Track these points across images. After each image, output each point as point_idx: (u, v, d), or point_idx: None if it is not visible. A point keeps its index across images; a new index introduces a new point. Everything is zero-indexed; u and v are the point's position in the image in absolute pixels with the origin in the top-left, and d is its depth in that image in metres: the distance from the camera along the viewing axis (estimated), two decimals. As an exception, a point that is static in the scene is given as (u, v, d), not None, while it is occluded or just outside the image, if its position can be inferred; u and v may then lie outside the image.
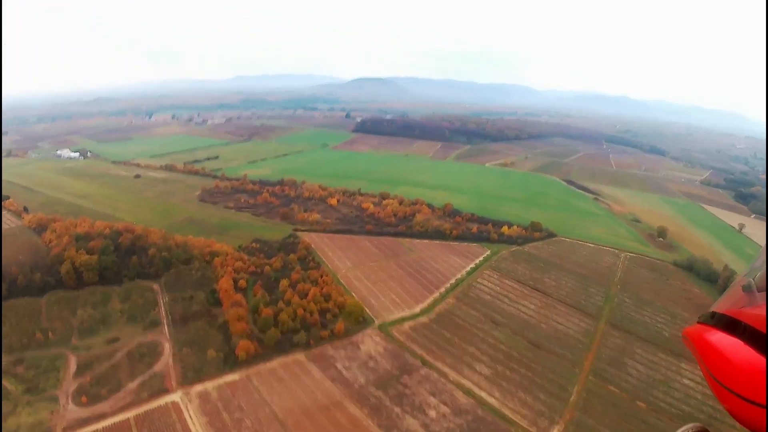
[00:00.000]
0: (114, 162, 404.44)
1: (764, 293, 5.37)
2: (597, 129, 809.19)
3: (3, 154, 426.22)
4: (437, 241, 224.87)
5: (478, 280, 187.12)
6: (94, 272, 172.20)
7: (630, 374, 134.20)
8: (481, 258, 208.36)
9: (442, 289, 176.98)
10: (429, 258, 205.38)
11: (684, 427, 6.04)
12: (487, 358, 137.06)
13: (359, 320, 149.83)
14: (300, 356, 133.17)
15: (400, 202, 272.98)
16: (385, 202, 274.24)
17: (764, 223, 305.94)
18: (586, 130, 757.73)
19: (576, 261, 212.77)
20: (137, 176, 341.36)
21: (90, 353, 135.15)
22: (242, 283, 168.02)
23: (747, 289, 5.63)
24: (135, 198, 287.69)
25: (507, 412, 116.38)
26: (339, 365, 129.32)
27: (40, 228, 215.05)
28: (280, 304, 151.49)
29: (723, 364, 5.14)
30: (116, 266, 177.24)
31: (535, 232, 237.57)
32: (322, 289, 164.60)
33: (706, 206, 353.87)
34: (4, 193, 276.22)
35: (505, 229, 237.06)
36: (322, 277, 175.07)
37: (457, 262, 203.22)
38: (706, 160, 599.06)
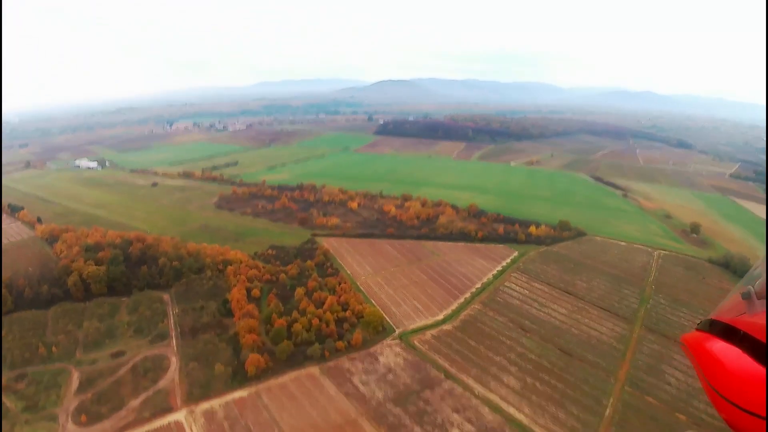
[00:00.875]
0: (132, 171, 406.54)
1: (764, 301, 5.37)
2: (622, 125, 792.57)
3: (22, 165, 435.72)
4: (462, 243, 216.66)
5: (506, 283, 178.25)
6: (102, 283, 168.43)
7: (668, 383, 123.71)
8: (508, 260, 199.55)
9: (468, 294, 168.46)
10: (453, 261, 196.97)
11: None
12: (516, 369, 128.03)
13: (378, 330, 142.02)
14: (314, 370, 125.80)
15: (423, 204, 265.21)
16: (407, 204, 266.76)
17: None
18: (611, 126, 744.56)
19: (608, 261, 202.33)
20: (154, 184, 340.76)
21: (94, 368, 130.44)
22: (256, 292, 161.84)
23: (746, 296, 5.59)
24: (151, 206, 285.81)
25: (537, 430, 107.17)
26: (355, 379, 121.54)
27: (52, 239, 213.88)
28: (295, 314, 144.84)
29: (721, 373, 5.15)
30: (125, 277, 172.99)
31: (564, 232, 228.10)
32: (339, 297, 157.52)
33: (737, 200, 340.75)
34: (19, 203, 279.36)
35: (532, 229, 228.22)
36: (340, 284, 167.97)
37: (483, 264, 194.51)
38: (733, 153, 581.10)
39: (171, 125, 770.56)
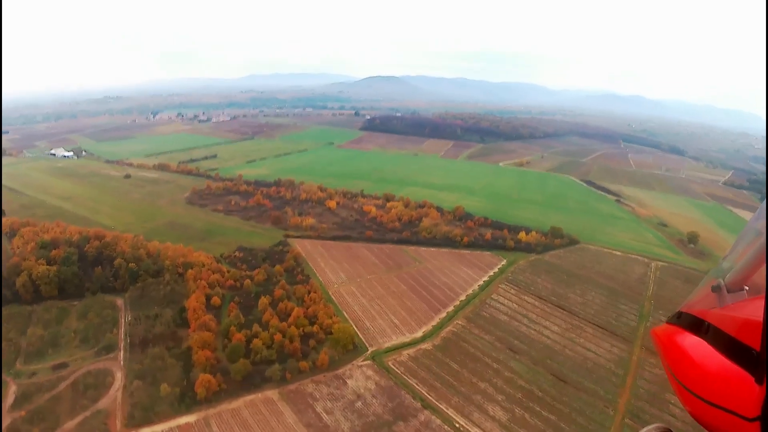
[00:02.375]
0: (107, 161, 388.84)
1: (734, 294, 5.41)
2: (612, 128, 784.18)
3: None
4: (446, 250, 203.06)
5: (493, 296, 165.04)
6: (51, 285, 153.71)
7: (673, 415, 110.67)
8: (495, 269, 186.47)
9: (450, 308, 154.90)
10: (436, 269, 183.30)
11: (647, 428, 5.88)
12: (503, 398, 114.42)
13: (349, 348, 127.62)
14: (272, 394, 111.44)
15: (406, 205, 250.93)
16: (389, 204, 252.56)
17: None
18: (602, 129, 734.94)
19: (603, 272, 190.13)
20: (127, 176, 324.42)
21: (32, 381, 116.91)
22: (216, 300, 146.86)
23: (716, 289, 5.60)
24: (120, 199, 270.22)
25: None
26: (318, 407, 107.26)
27: (12, 233, 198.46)
28: (255, 328, 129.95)
29: (686, 365, 5.22)
30: (77, 278, 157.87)
31: (555, 239, 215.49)
32: (308, 308, 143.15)
33: (733, 209, 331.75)
34: None
35: (522, 235, 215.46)
36: (309, 293, 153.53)
37: (469, 274, 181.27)
38: (725, 160, 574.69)
39: (155, 115, 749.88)
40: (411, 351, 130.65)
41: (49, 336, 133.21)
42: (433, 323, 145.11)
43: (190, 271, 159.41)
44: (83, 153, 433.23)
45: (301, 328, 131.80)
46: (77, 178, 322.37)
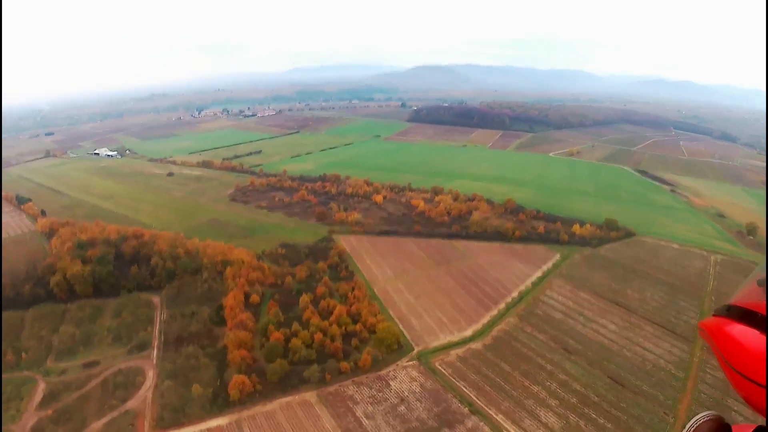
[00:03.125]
0: (150, 160, 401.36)
1: None
2: (662, 115, 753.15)
3: (42, 154, 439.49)
4: (497, 244, 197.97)
5: (547, 292, 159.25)
6: (86, 284, 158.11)
7: (736, 421, 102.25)
8: (549, 264, 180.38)
9: (502, 305, 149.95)
10: (487, 264, 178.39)
11: (699, 416, 6.31)
12: (557, 402, 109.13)
13: (393, 348, 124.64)
14: (310, 396, 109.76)
15: (455, 198, 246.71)
16: (437, 198, 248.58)
17: None
18: (652, 116, 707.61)
19: (661, 266, 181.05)
20: (170, 174, 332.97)
21: (62, 379, 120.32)
22: (255, 298, 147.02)
23: (762, 283, 5.92)
24: (161, 198, 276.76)
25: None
26: (359, 411, 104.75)
27: (51, 233, 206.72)
28: (295, 326, 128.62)
29: (740, 353, 5.61)
30: (113, 277, 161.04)
31: (611, 232, 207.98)
32: (351, 306, 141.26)
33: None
34: (29, 195, 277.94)
35: (576, 227, 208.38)
36: (353, 290, 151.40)
37: (521, 269, 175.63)
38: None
39: (200, 112, 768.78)
40: (459, 351, 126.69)
41: (82, 334, 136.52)
42: (484, 321, 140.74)
43: (229, 268, 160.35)
44: (127, 152, 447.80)
45: (344, 327, 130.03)
46: (120, 177, 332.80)
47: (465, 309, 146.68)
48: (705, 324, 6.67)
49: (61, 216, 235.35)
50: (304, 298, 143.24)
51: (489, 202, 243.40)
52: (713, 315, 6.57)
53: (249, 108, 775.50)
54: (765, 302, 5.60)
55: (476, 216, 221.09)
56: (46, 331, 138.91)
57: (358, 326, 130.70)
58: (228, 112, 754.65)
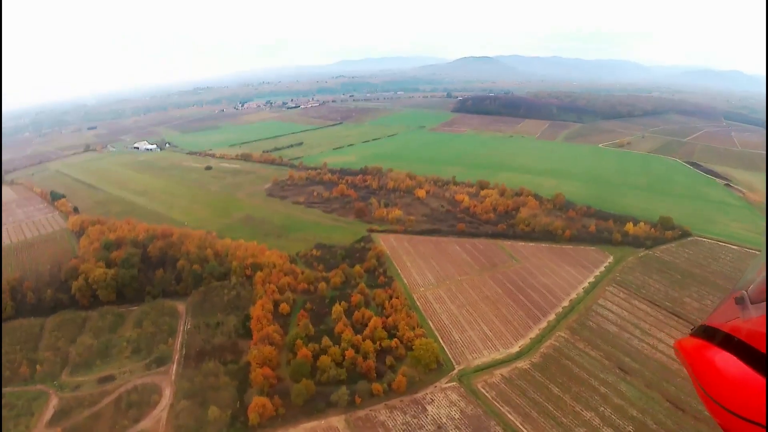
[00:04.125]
0: (189, 153, 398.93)
1: (758, 306, 5.60)
2: (712, 105, 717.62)
3: (81, 149, 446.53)
4: (546, 244, 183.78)
5: (600, 301, 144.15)
6: (109, 290, 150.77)
7: None
8: (602, 268, 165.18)
9: (552, 316, 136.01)
10: (535, 268, 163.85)
11: None
12: (611, 431, 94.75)
13: (432, 367, 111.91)
14: (337, 421, 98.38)
15: (502, 193, 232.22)
16: (483, 192, 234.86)
17: None
18: (701, 106, 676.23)
19: (720, 271, 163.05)
20: (208, 168, 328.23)
21: (75, 395, 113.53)
22: (284, 307, 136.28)
23: (740, 301, 5.86)
24: (197, 193, 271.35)
25: None
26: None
27: (82, 232, 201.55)
28: (325, 341, 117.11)
29: (715, 379, 5.46)
30: (137, 282, 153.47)
31: (666, 231, 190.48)
32: (387, 317, 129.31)
33: None
34: (62, 191, 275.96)
35: (629, 226, 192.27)
36: (391, 299, 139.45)
37: (572, 274, 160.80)
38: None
39: (243, 104, 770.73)
40: (505, 370, 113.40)
41: (100, 345, 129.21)
42: (532, 336, 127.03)
43: (258, 273, 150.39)
44: (167, 145, 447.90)
45: (378, 342, 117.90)
46: (157, 171, 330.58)
47: (511, 321, 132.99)
48: (680, 344, 6.48)
49: (95, 213, 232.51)
50: (337, 309, 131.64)
51: (537, 197, 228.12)
52: (690, 335, 6.47)
53: (292, 100, 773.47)
54: (741, 324, 5.40)
55: (524, 213, 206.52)
56: (64, 341, 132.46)
57: (394, 342, 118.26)
58: (271, 104, 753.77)
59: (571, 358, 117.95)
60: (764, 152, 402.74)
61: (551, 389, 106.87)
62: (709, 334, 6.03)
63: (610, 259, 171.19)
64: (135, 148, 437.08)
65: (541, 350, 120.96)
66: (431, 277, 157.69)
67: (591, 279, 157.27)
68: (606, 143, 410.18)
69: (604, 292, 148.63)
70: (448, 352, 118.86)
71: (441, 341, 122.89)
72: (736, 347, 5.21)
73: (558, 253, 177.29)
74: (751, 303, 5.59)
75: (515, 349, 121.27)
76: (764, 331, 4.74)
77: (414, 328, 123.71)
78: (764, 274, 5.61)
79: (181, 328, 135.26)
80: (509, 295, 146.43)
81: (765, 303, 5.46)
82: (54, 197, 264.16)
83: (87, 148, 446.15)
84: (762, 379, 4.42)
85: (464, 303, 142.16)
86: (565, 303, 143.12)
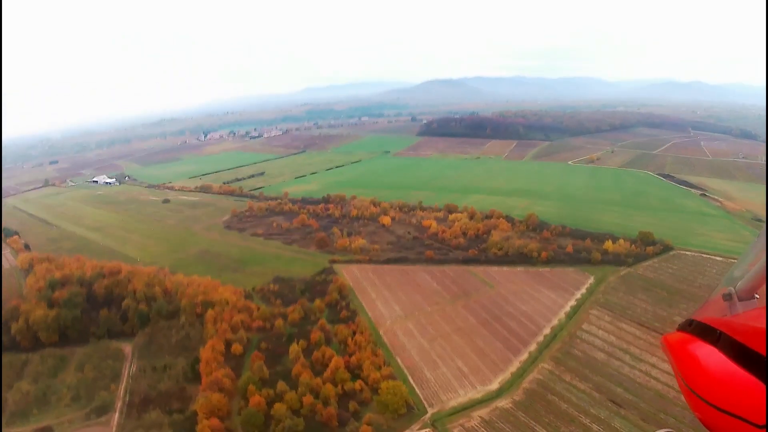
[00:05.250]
0: (148, 186, 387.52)
1: (745, 302, 5.74)
2: (678, 116, 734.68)
3: (40, 184, 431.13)
4: (521, 268, 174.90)
5: (584, 326, 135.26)
6: (51, 331, 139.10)
7: None
8: (583, 289, 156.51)
9: (533, 346, 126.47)
10: (511, 294, 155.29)
11: None
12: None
13: (401, 412, 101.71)
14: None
15: (471, 216, 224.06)
16: (451, 217, 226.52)
17: None
18: (668, 118, 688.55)
19: (707, 284, 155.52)
20: (165, 201, 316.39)
21: None
22: (237, 347, 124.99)
23: (727, 298, 5.94)
24: (152, 227, 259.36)
25: None
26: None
27: (31, 270, 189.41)
28: (280, 386, 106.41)
29: (697, 372, 5.47)
30: (80, 323, 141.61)
31: (647, 246, 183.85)
32: (351, 356, 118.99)
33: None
34: (17, 227, 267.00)
35: (608, 244, 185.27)
36: (354, 335, 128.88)
37: (551, 298, 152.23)
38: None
39: (206, 135, 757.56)
40: (484, 411, 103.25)
41: (38, 392, 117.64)
42: (512, 369, 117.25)
43: (210, 311, 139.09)
44: (126, 179, 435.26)
45: (340, 385, 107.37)
46: (113, 206, 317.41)
47: (489, 354, 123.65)
48: (666, 339, 6.40)
49: (47, 250, 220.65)
50: (295, 348, 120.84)
51: (509, 219, 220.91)
52: (677, 329, 6.32)
53: (255, 129, 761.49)
54: (726, 318, 5.51)
55: (495, 236, 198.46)
56: (2, 386, 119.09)
57: (358, 384, 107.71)
58: (234, 134, 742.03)
59: (558, 392, 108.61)
60: (735, 159, 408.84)
61: (537, 431, 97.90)
62: (694, 328, 5.81)
63: (591, 279, 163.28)
64: (94, 182, 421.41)
65: (524, 385, 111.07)
66: (398, 309, 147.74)
67: (572, 302, 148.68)
68: (575, 160, 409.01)
69: (588, 316, 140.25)
70: (419, 393, 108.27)
71: (411, 381, 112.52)
72: (720, 341, 5.11)
73: (535, 276, 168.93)
74: (739, 300, 5.68)
75: (495, 385, 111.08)
76: (749, 325, 4.72)
77: (380, 368, 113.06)
78: (752, 271, 5.58)
79: (126, 372, 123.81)
80: (485, 325, 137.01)
81: (752, 300, 5.58)
82: (7, 234, 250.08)
83: (46, 183, 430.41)
84: (744, 373, 4.41)
85: (436, 336, 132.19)
86: (547, 330, 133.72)
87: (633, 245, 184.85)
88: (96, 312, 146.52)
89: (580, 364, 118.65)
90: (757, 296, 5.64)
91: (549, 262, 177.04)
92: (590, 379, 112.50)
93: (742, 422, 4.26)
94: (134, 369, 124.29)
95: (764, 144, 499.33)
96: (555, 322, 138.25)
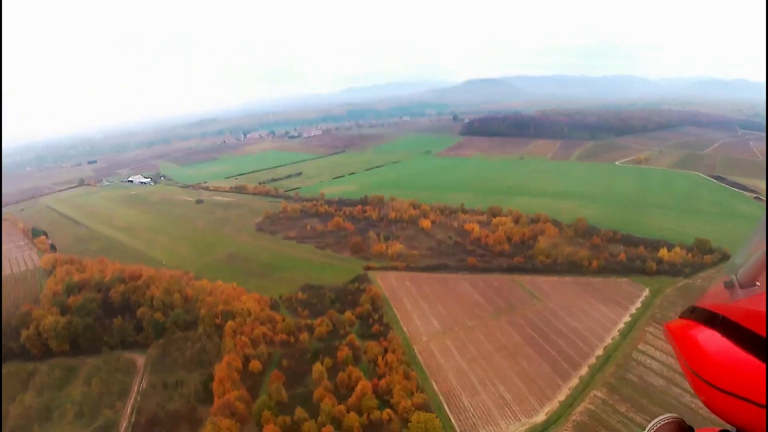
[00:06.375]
0: (183, 186, 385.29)
1: (746, 290, 5.76)
2: (724, 115, 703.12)
3: (75, 183, 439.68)
4: (570, 278, 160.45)
5: (640, 346, 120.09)
6: (61, 339, 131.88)
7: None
8: (638, 303, 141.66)
9: (584, 370, 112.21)
10: (560, 308, 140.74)
11: (659, 418, 6.26)
12: None
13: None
14: None
15: (516, 220, 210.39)
16: (495, 220, 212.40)
17: None
18: (714, 117, 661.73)
19: None
20: (199, 201, 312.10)
21: None
22: (256, 365, 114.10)
23: (729, 285, 6.00)
24: (182, 229, 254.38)
25: None
26: None
27: (50, 272, 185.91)
28: (299, 413, 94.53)
29: (700, 356, 5.54)
30: (92, 331, 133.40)
31: (704, 255, 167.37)
32: (381, 378, 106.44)
33: None
34: (46, 227, 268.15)
35: (663, 252, 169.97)
36: (386, 353, 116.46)
37: (603, 312, 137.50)
38: None
39: (245, 135, 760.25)
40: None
41: (41, 406, 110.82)
42: (561, 398, 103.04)
43: (230, 322, 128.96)
44: (161, 178, 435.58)
45: (366, 414, 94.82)
46: (145, 206, 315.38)
47: (535, 378, 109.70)
48: (669, 326, 6.44)
49: (73, 250, 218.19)
50: (318, 368, 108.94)
51: (556, 223, 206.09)
52: (679, 317, 6.38)
53: (295, 129, 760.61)
54: (727, 304, 5.48)
55: (542, 242, 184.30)
56: (5, 398, 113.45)
57: (386, 413, 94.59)
58: (274, 134, 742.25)
59: (613, 427, 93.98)
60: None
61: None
62: (696, 314, 5.93)
63: (646, 292, 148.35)
64: (128, 181, 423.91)
65: (574, 417, 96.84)
66: (436, 324, 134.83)
67: (627, 318, 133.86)
68: (622, 160, 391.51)
69: (644, 335, 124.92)
70: (455, 425, 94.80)
71: (446, 408, 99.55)
72: (721, 325, 5.23)
73: (585, 287, 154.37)
74: (740, 287, 5.72)
75: (541, 417, 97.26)
76: (750, 309, 4.84)
77: (413, 394, 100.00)
78: (753, 258, 5.65)
79: (136, 388, 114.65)
80: (531, 344, 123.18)
81: (753, 287, 5.60)
82: (35, 234, 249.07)
83: (81, 183, 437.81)
84: (746, 355, 4.54)
85: (476, 356, 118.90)
86: (599, 351, 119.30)
87: (689, 254, 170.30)
88: (110, 320, 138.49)
89: (637, 392, 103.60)
90: (758, 283, 5.61)
91: (600, 271, 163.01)
92: (648, 410, 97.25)
93: (744, 402, 4.40)
94: (145, 385, 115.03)
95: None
96: (608, 340, 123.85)
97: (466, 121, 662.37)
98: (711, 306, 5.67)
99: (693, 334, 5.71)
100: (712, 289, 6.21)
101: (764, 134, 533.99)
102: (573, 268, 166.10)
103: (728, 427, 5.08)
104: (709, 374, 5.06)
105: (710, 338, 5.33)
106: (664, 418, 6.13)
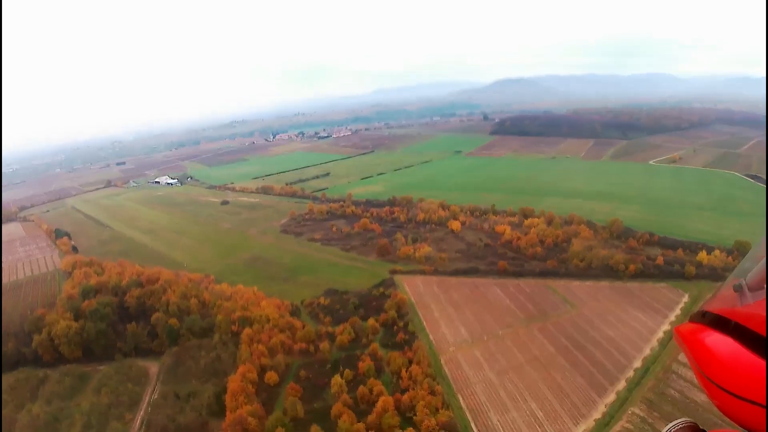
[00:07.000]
0: (209, 187, 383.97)
1: (756, 293, 5.74)
2: (756, 112, 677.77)
3: (103, 185, 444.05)
4: (606, 283, 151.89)
5: (680, 357, 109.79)
6: (74, 345, 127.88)
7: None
8: (677, 310, 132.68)
9: (622, 384, 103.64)
10: (596, 315, 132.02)
11: (674, 422, 6.25)
12: None
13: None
14: None
15: (549, 222, 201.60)
16: (527, 222, 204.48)
17: None
18: (747, 115, 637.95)
19: None
20: (224, 202, 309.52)
21: None
22: (272, 376, 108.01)
23: (738, 289, 5.99)
24: (206, 230, 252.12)
25: None
26: None
27: (68, 274, 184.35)
28: (314, 431, 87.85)
29: (713, 361, 5.57)
30: (105, 337, 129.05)
31: None
32: (403, 393, 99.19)
33: None
34: (70, 228, 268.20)
35: (702, 255, 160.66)
36: (410, 364, 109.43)
37: (641, 320, 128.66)
38: None
39: (274, 136, 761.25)
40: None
41: (49, 416, 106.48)
42: (597, 415, 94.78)
43: (247, 329, 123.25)
44: (188, 179, 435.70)
45: (390, 431, 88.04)
46: (170, 207, 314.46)
47: (569, 393, 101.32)
48: (680, 330, 6.47)
49: (95, 252, 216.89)
50: (338, 381, 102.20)
51: (590, 224, 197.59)
52: (689, 320, 6.43)
53: (324, 130, 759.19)
54: (738, 308, 5.58)
55: (577, 245, 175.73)
56: (13, 406, 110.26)
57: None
58: (303, 134, 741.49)
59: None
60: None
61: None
62: (707, 319, 5.98)
63: (686, 298, 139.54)
64: (155, 182, 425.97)
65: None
66: (465, 332, 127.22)
67: (665, 326, 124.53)
68: (656, 159, 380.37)
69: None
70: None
71: (473, 427, 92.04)
72: (732, 330, 5.30)
73: (621, 293, 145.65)
74: (749, 291, 5.72)
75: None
76: (760, 314, 4.94)
77: (437, 411, 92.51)
78: (762, 263, 5.68)
79: (146, 398, 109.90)
80: (565, 355, 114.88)
81: (762, 290, 5.56)
82: (58, 235, 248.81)
83: (108, 184, 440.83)
84: (759, 360, 4.59)
85: (507, 368, 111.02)
86: (637, 363, 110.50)
87: (729, 257, 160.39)
88: (125, 325, 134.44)
89: (678, 409, 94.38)
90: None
91: (637, 275, 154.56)
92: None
93: (758, 407, 4.44)
94: (156, 395, 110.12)
95: None
96: (647, 351, 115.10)
97: (497, 120, 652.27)
98: (721, 310, 5.70)
99: (706, 340, 5.71)
100: (720, 293, 6.15)
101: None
102: (608, 272, 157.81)
103: (742, 431, 4.98)
104: (721, 378, 5.09)
105: (724, 344, 5.32)
106: (678, 422, 6.04)
